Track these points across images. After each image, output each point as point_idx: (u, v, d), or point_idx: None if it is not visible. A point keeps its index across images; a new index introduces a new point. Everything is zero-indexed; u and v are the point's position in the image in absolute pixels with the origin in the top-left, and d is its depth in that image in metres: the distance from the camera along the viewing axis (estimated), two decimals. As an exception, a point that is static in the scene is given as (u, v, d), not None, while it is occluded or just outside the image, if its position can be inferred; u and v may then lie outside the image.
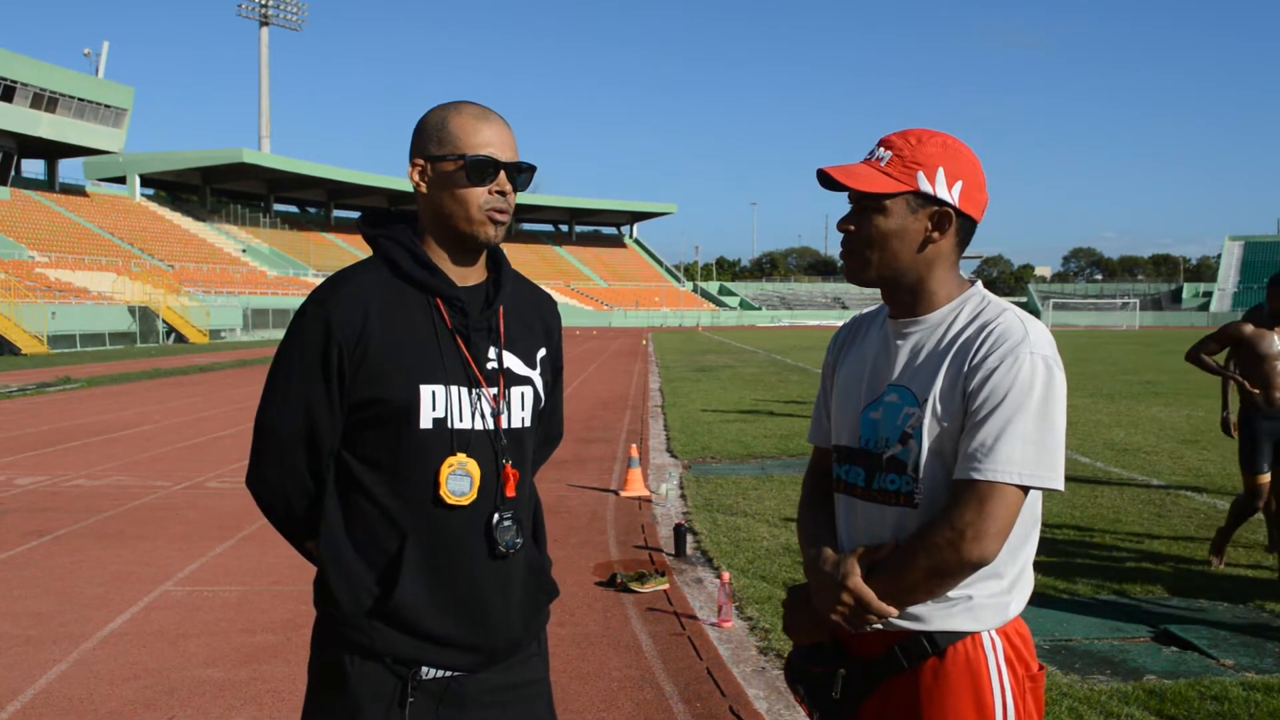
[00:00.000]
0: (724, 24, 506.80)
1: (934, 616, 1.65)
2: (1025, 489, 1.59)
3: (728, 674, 4.23)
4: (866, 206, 1.70)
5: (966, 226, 1.72)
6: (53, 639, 4.72)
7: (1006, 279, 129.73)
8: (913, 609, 1.65)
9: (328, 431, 1.74)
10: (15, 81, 52.05)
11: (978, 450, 1.59)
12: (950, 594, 1.64)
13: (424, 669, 1.73)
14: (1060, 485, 1.60)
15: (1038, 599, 4.86)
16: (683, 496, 8.18)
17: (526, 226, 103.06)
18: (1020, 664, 1.66)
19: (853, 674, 1.72)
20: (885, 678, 1.68)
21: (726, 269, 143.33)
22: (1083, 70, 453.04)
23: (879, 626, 1.67)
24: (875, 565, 1.66)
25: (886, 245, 1.70)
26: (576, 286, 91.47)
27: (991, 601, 1.65)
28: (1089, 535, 6.54)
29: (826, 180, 1.72)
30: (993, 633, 1.65)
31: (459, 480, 1.73)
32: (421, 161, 1.77)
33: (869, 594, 1.64)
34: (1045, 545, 6.03)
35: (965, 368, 1.63)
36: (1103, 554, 6.05)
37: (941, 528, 1.59)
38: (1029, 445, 1.57)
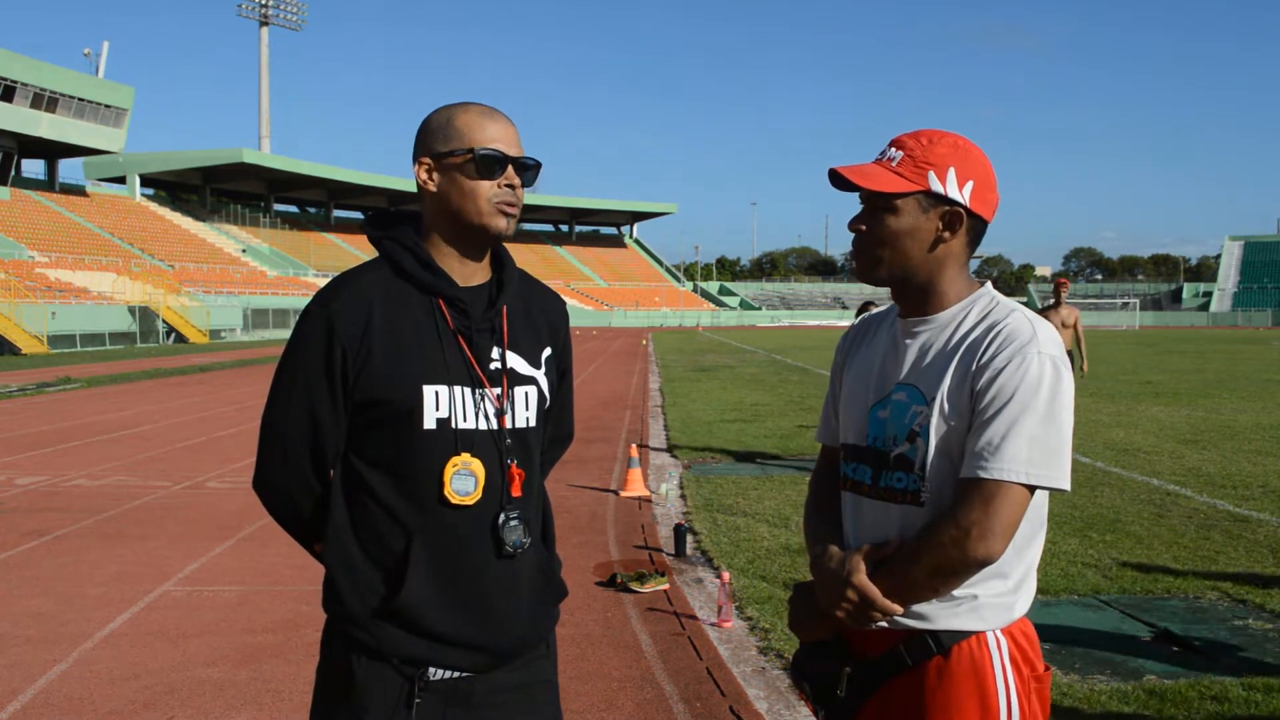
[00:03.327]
0: (724, 24, 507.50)
1: (938, 615, 1.65)
2: (1031, 488, 1.59)
3: (728, 674, 4.22)
4: (878, 206, 1.71)
5: (977, 227, 1.73)
6: (53, 639, 4.71)
7: (1006, 279, 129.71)
8: (917, 608, 1.65)
9: (332, 432, 1.75)
10: (15, 81, 52.01)
11: (984, 449, 1.59)
12: (955, 593, 1.63)
13: (431, 669, 1.73)
14: (1066, 485, 1.60)
15: (1038, 599, 4.85)
16: (683, 496, 8.17)
17: (526, 226, 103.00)
18: (1026, 664, 1.66)
19: (857, 672, 1.72)
20: (889, 676, 1.68)
21: (726, 269, 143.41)
22: (1082, 71, 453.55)
23: (883, 624, 1.67)
24: (880, 563, 1.66)
25: (898, 244, 1.70)
26: (576, 286, 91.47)
27: (997, 601, 1.65)
28: (1089, 535, 6.54)
29: (838, 180, 1.73)
30: (998, 632, 1.65)
31: (463, 480, 1.73)
32: (429, 160, 1.76)
33: (873, 591, 1.64)
34: (1046, 545, 6.02)
35: (973, 367, 1.64)
36: (1103, 554, 6.05)
37: (947, 526, 1.59)
38: (1035, 444, 1.57)
